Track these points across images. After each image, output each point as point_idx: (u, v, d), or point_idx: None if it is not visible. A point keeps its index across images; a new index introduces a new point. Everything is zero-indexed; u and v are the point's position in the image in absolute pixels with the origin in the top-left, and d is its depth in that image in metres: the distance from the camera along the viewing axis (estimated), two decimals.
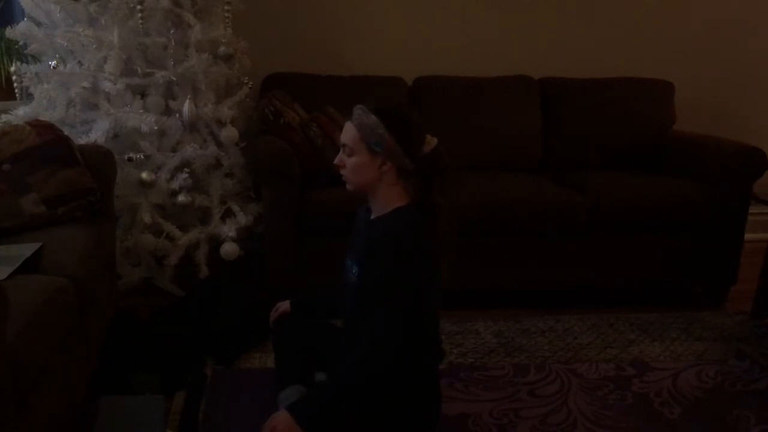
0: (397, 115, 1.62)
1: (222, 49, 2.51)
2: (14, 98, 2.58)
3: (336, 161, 1.65)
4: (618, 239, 2.68)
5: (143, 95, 2.44)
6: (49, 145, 1.97)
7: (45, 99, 2.39)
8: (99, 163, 2.11)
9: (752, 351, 2.33)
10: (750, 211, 2.73)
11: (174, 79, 2.41)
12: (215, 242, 2.55)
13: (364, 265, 1.60)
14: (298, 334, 1.86)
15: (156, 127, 2.37)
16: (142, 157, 2.42)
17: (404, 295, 1.53)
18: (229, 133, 2.54)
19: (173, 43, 2.39)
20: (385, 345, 1.52)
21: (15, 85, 2.45)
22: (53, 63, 2.35)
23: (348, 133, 1.60)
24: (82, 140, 2.31)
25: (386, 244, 1.55)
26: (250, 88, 2.69)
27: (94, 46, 2.33)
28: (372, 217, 1.67)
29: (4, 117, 2.39)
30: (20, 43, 2.58)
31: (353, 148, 1.60)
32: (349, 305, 1.69)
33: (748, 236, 2.78)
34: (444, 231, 1.62)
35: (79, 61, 2.39)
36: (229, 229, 2.52)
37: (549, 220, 2.62)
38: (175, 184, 2.42)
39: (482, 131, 3.06)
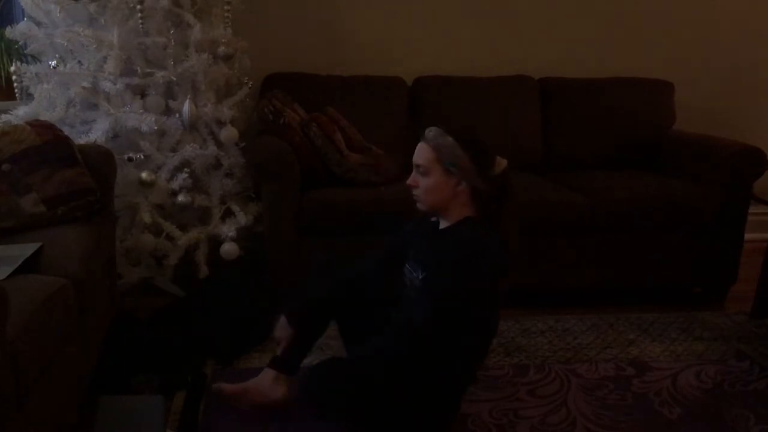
0: (471, 136, 1.65)
1: (222, 49, 2.51)
2: (14, 98, 2.57)
3: (409, 182, 1.67)
4: (618, 239, 2.68)
5: (143, 95, 2.44)
6: (49, 145, 1.97)
7: (45, 99, 2.39)
8: (99, 163, 2.11)
9: (752, 351, 2.33)
10: (750, 211, 2.74)
11: (174, 79, 2.41)
12: (215, 242, 2.55)
13: (431, 269, 1.60)
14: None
15: (156, 127, 2.37)
16: (142, 157, 2.41)
17: (458, 297, 1.53)
18: (229, 133, 2.54)
19: (173, 43, 2.39)
20: (416, 334, 1.52)
21: (15, 85, 2.44)
22: (53, 63, 2.35)
23: (422, 153, 1.63)
24: (82, 140, 2.31)
25: (459, 249, 1.57)
26: (250, 88, 2.70)
27: (94, 46, 2.33)
28: (441, 227, 1.68)
29: (4, 117, 2.39)
30: (20, 43, 2.58)
31: (428, 168, 1.62)
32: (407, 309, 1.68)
33: (748, 236, 2.78)
34: (512, 253, 1.64)
35: (79, 61, 2.39)
36: (229, 229, 2.53)
37: (549, 220, 2.62)
38: (175, 184, 2.42)
39: (482, 131, 3.01)
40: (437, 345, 1.55)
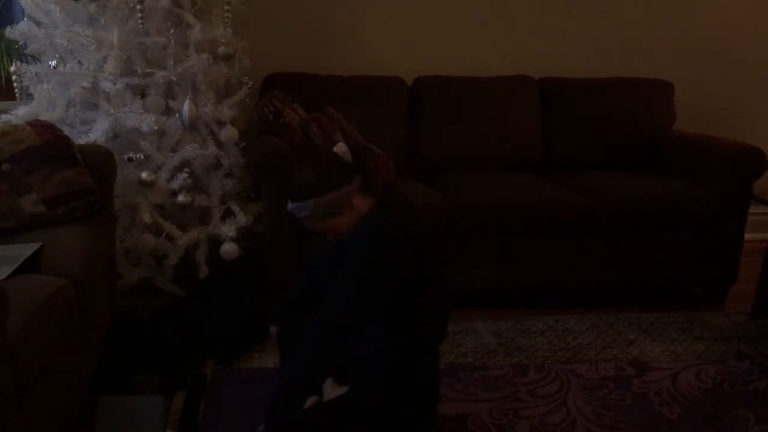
0: (311, 179, 1.67)
1: (222, 49, 2.51)
2: (14, 98, 2.58)
3: (332, 239, 1.70)
4: (618, 239, 2.69)
5: (143, 95, 2.44)
6: (49, 145, 1.97)
7: (45, 99, 2.39)
8: (99, 163, 2.11)
9: (752, 351, 2.33)
10: (750, 211, 2.74)
11: (174, 79, 2.41)
12: (215, 242, 2.55)
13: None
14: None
15: (156, 127, 2.37)
16: (142, 157, 2.42)
17: (363, 299, 1.54)
18: (229, 133, 2.54)
19: (173, 43, 2.39)
20: (326, 338, 1.54)
21: (15, 85, 2.44)
22: (53, 63, 2.35)
23: (311, 227, 1.68)
24: (82, 140, 2.31)
25: (362, 236, 1.58)
26: (249, 88, 2.70)
27: (94, 46, 2.33)
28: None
29: (4, 117, 2.39)
30: (20, 43, 2.58)
31: (328, 227, 1.66)
32: None
33: (747, 236, 2.78)
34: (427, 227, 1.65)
35: (79, 61, 2.39)
36: (228, 229, 2.53)
37: (549, 220, 2.62)
38: (175, 184, 2.42)
39: (482, 131, 3.06)
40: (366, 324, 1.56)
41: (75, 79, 2.35)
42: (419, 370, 1.63)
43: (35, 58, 2.51)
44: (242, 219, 2.57)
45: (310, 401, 1.60)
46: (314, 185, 1.66)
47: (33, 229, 1.87)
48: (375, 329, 1.58)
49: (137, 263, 2.50)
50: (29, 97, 2.45)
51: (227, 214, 2.58)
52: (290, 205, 1.69)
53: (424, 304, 1.65)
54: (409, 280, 1.58)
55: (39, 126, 2.04)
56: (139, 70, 2.39)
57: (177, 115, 2.44)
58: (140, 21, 2.32)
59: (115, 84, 2.34)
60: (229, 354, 2.20)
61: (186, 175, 2.42)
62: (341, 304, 1.55)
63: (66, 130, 2.17)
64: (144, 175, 2.36)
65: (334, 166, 1.72)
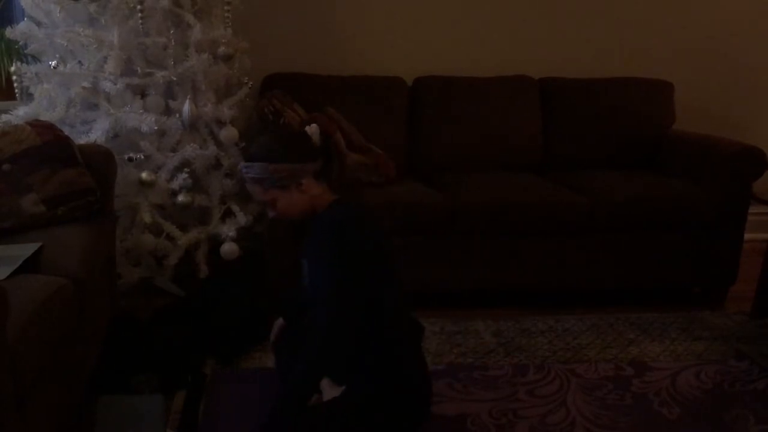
0: (270, 143, 1.67)
1: (222, 49, 2.50)
2: (14, 98, 2.57)
3: (271, 216, 1.70)
4: (618, 239, 2.69)
5: (143, 95, 2.44)
6: (49, 145, 1.97)
7: (45, 99, 2.39)
8: (99, 163, 2.11)
9: (751, 351, 2.34)
10: (750, 211, 2.74)
11: (174, 79, 2.41)
12: (215, 242, 2.55)
13: (312, 259, 1.62)
14: (295, 339, 1.87)
15: (156, 127, 2.37)
16: (142, 157, 2.41)
17: (350, 286, 1.54)
18: (229, 133, 2.54)
19: (173, 43, 2.39)
20: (331, 341, 1.54)
21: (15, 85, 2.44)
22: (53, 63, 2.35)
23: (253, 192, 1.68)
24: (82, 140, 2.31)
25: (328, 233, 1.58)
26: (250, 88, 2.70)
27: (94, 46, 2.33)
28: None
29: (5, 117, 2.39)
30: (20, 43, 2.58)
31: (268, 198, 1.65)
32: (307, 303, 1.71)
33: (747, 236, 2.78)
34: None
35: (80, 61, 2.39)
36: (229, 229, 2.53)
37: (549, 220, 2.62)
38: (175, 184, 2.42)
39: (482, 131, 3.07)
40: (352, 327, 1.56)
41: (75, 79, 2.35)
42: (404, 363, 1.64)
43: (35, 58, 2.51)
44: (242, 219, 2.57)
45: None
46: (271, 150, 1.64)
47: (33, 229, 1.87)
48: (360, 326, 1.59)
49: (137, 263, 2.50)
50: (29, 97, 2.45)
51: (227, 214, 2.59)
52: (242, 164, 1.68)
53: (394, 298, 1.66)
54: (378, 271, 1.58)
55: (39, 126, 2.04)
56: (140, 70, 2.39)
57: (177, 115, 2.44)
58: (140, 21, 2.32)
59: (115, 84, 2.34)
60: (229, 354, 2.20)
61: (186, 175, 2.42)
62: (332, 306, 1.55)
63: (66, 130, 2.17)
64: (144, 175, 2.36)
65: (299, 142, 1.69)
